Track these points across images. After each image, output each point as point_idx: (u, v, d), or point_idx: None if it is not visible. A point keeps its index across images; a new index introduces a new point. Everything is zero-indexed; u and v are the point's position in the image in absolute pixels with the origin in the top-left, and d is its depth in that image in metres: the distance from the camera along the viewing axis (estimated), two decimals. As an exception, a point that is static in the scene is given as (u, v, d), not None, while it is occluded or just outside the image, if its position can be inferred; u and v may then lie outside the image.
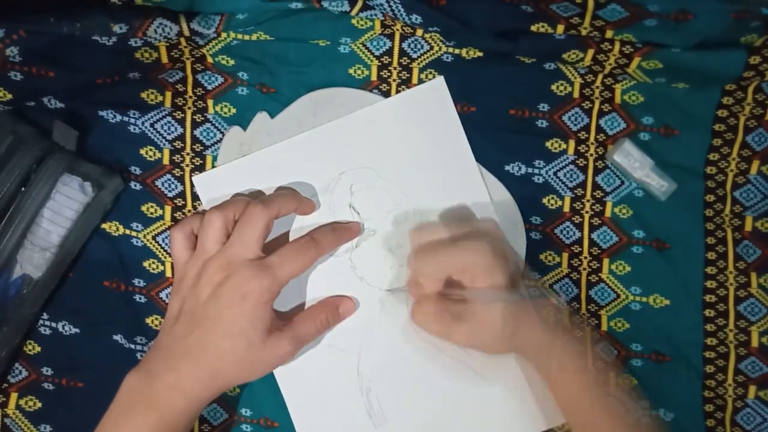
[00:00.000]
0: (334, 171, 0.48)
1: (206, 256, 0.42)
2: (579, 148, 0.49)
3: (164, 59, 0.47)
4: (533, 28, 0.45)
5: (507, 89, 0.48)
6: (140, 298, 0.49)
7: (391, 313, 0.48)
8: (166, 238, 0.49)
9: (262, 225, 0.42)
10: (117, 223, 0.49)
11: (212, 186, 0.48)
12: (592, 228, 0.49)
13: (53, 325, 0.49)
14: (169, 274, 0.49)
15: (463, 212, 0.48)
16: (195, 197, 0.49)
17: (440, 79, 0.48)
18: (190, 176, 0.49)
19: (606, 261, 0.49)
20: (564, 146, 0.49)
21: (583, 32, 0.45)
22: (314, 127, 0.48)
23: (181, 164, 0.49)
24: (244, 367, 0.42)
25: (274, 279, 0.42)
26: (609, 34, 0.45)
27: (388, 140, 0.48)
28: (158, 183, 0.49)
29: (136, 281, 0.49)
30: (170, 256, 0.49)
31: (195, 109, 0.49)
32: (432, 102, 0.48)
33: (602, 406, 0.43)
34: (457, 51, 0.48)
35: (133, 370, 0.42)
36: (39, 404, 0.49)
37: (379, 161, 0.48)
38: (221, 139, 0.49)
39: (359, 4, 0.45)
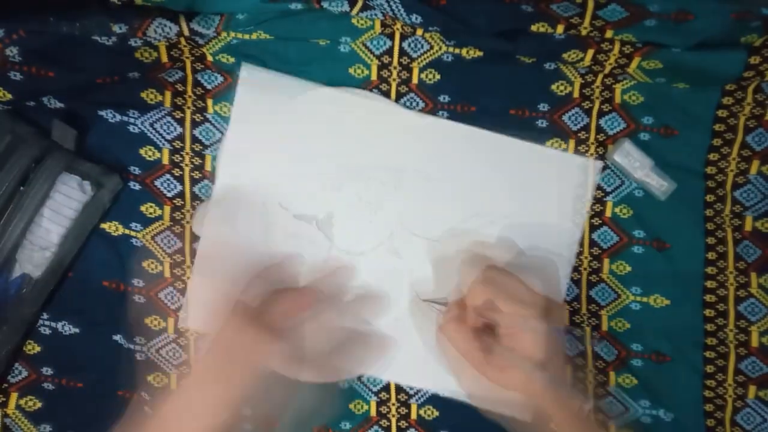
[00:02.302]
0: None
1: None
2: (579, 147, 0.49)
3: (164, 59, 0.47)
4: (533, 28, 0.45)
5: (507, 89, 0.48)
6: (139, 299, 0.49)
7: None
8: (165, 238, 0.49)
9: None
10: (116, 223, 0.49)
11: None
12: (593, 228, 0.49)
13: (53, 325, 0.49)
14: (167, 274, 0.49)
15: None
16: (194, 197, 0.49)
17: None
18: (190, 176, 0.49)
19: (606, 261, 0.49)
20: (564, 146, 0.49)
21: (583, 32, 0.45)
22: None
23: (181, 164, 0.49)
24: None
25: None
26: (609, 34, 0.45)
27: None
28: (157, 183, 0.49)
29: (135, 281, 0.49)
30: (169, 257, 0.49)
31: (194, 108, 0.49)
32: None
33: None
34: (457, 51, 0.48)
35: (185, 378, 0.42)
36: (39, 404, 0.49)
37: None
38: (221, 139, 0.49)
39: (359, 4, 0.45)
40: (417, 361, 0.48)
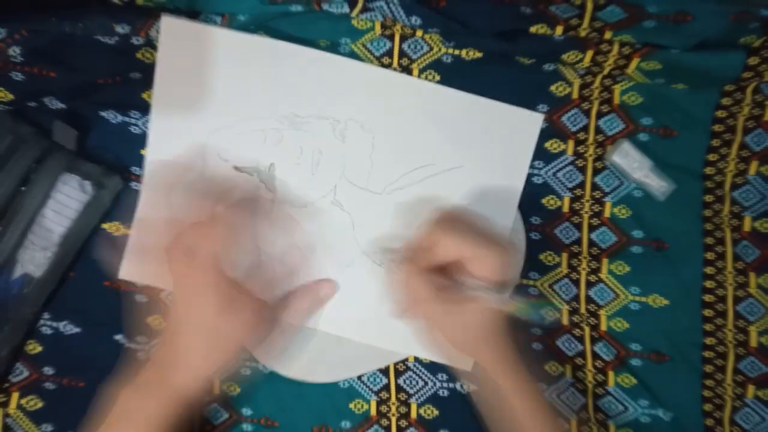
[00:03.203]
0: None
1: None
2: (578, 148, 0.49)
3: (165, 60, 0.47)
4: (532, 29, 0.46)
5: (506, 90, 0.49)
6: (141, 298, 0.49)
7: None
8: (167, 238, 0.49)
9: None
10: (118, 223, 0.49)
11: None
12: (592, 228, 0.49)
13: (54, 324, 0.49)
14: (169, 273, 0.49)
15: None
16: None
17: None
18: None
19: (605, 261, 0.49)
20: (563, 147, 0.49)
21: (582, 33, 0.46)
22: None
23: (182, 164, 0.49)
24: (213, 348, 0.41)
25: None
26: (608, 35, 0.45)
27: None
28: (159, 183, 0.49)
29: (136, 281, 0.49)
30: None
31: (196, 109, 0.49)
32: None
33: (552, 428, 0.43)
34: (456, 52, 0.48)
35: (126, 387, 0.41)
36: (40, 404, 0.49)
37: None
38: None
39: (359, 6, 0.45)
40: (358, 314, 0.48)
